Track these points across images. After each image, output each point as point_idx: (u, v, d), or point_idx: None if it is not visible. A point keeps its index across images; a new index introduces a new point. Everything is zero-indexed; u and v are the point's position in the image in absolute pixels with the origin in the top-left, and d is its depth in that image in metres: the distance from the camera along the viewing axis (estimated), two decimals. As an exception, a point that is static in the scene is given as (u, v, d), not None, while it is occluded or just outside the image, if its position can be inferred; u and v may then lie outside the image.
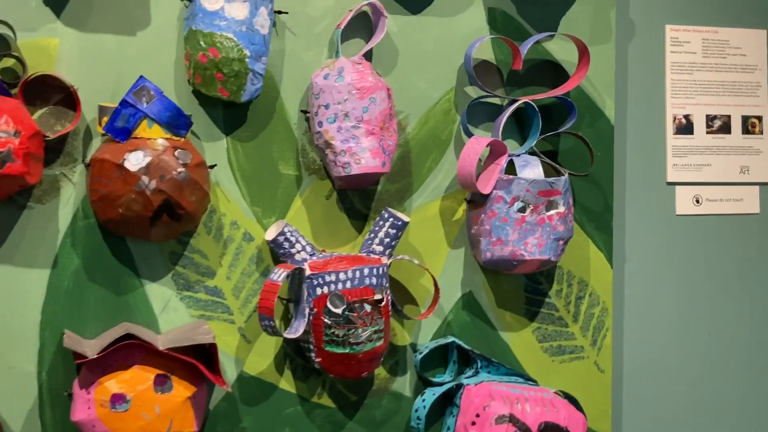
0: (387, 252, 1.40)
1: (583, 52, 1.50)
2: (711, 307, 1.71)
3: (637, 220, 1.67)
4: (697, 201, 1.70)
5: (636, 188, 1.67)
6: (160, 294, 1.36)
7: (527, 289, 1.54)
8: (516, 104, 1.48)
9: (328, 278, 1.34)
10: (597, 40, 1.55)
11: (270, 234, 1.37)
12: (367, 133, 1.35)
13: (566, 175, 1.47)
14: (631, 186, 1.66)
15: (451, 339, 1.48)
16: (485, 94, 1.49)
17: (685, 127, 1.69)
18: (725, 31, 1.71)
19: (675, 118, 1.69)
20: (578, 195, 1.55)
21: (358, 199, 1.45)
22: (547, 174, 1.50)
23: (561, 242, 1.46)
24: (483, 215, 1.44)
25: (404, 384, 1.48)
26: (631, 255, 1.66)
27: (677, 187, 1.69)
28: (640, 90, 1.67)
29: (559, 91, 1.50)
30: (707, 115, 1.70)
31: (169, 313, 1.36)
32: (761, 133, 1.73)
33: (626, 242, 1.66)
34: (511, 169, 1.47)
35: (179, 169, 1.26)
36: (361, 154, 1.35)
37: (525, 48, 1.48)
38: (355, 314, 1.34)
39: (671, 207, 1.69)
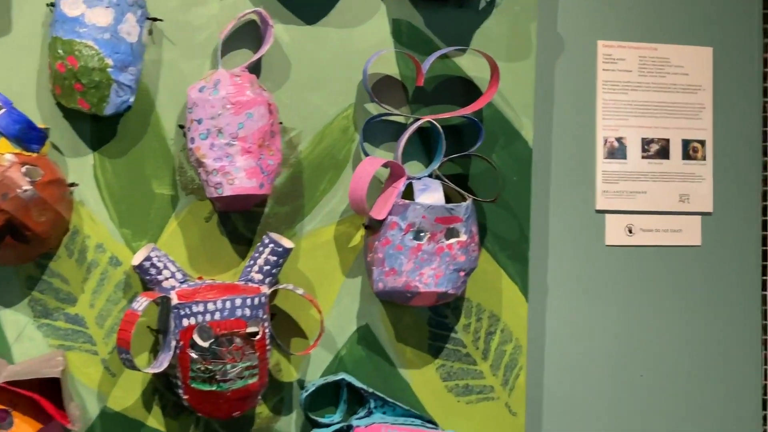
0: (267, 280, 1.29)
1: (494, 69, 1.39)
2: (644, 347, 1.58)
3: (561, 250, 1.54)
4: (630, 231, 1.57)
5: (560, 216, 1.54)
6: (14, 321, 1.26)
7: (431, 322, 1.42)
8: (418, 123, 1.36)
9: (195, 308, 1.23)
10: (515, 56, 1.44)
11: (136, 259, 1.26)
12: (242, 152, 1.25)
13: (469, 200, 1.35)
14: (555, 213, 1.54)
15: (341, 376, 1.36)
16: (385, 111, 1.38)
17: (618, 151, 1.57)
18: (665, 48, 1.59)
19: (606, 141, 1.56)
20: (491, 222, 1.43)
21: (241, 222, 1.35)
22: (452, 199, 1.39)
23: (462, 273, 1.34)
24: (377, 242, 1.33)
25: (289, 424, 1.36)
26: (554, 288, 1.54)
27: (607, 216, 1.56)
28: (568, 110, 1.55)
29: (466, 111, 1.39)
30: (643, 139, 1.58)
31: (24, 342, 1.26)
32: (704, 158, 1.60)
33: (548, 274, 1.54)
34: (411, 193, 1.35)
35: (25, 187, 1.16)
36: (235, 174, 1.24)
37: (428, 63, 1.37)
38: (224, 349, 1.23)
39: (600, 237, 1.56)
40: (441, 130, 1.36)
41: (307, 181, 1.37)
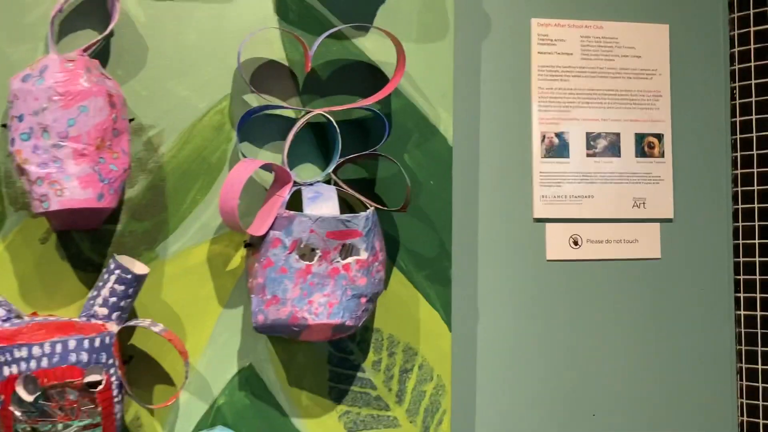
0: (115, 315, 1.03)
1: (399, 52, 1.14)
2: (597, 381, 1.32)
3: (493, 268, 1.29)
4: (576, 242, 1.32)
5: (490, 227, 1.29)
6: None
7: (332, 360, 1.16)
8: (307, 117, 1.11)
9: (18, 353, 0.97)
10: (428, 36, 1.19)
11: (-56, 292, 1.00)
12: (74, 155, 0.99)
13: (371, 210, 1.10)
14: (483, 224, 1.29)
15: (218, 429, 1.11)
16: (269, 104, 1.13)
17: (558, 149, 1.32)
18: (613, 26, 1.35)
19: (544, 137, 1.31)
20: (404, 236, 1.18)
21: (87, 244, 1.09)
22: (353, 209, 1.14)
23: (363, 300, 1.09)
24: (257, 264, 1.08)
25: (153, 491, 1.10)
26: (485, 314, 1.29)
27: (548, 225, 1.31)
28: (496, 101, 1.30)
29: (367, 102, 1.14)
30: (588, 134, 1.33)
31: None
32: (662, 155, 1.35)
33: (477, 297, 1.28)
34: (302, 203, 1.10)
35: None
36: (65, 183, 0.99)
37: (315, 45, 1.12)
38: (53, 404, 0.97)
39: (540, 250, 1.31)
40: (336, 125, 1.11)
41: (172, 190, 1.12)
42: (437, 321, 1.19)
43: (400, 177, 1.17)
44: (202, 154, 1.13)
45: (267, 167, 1.09)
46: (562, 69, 1.32)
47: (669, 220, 1.36)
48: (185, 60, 1.12)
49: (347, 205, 1.15)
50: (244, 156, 1.12)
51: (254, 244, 1.10)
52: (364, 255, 1.09)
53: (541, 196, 1.31)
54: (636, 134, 1.35)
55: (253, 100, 1.14)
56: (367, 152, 1.13)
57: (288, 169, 1.10)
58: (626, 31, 1.35)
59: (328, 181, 1.13)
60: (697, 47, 1.38)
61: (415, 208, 1.18)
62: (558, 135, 1.32)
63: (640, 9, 1.35)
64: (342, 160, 1.13)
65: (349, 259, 1.09)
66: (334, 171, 1.13)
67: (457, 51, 1.26)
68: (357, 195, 1.12)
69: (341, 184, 1.12)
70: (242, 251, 1.13)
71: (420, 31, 1.19)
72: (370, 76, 1.18)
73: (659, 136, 1.36)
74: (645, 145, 1.35)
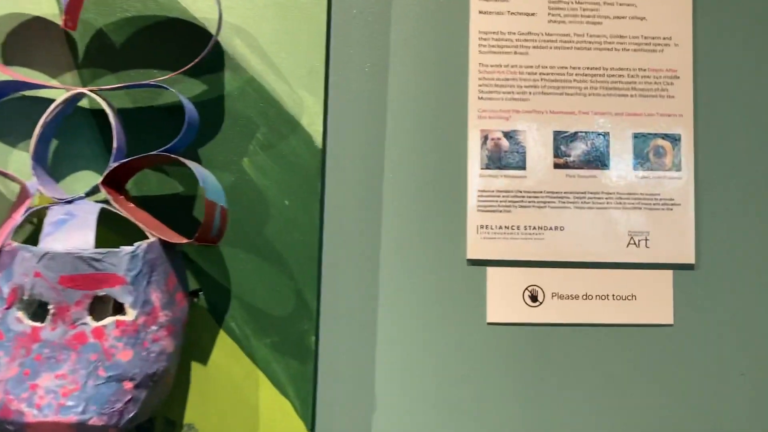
0: None
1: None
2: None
3: (392, 335, 0.86)
4: (534, 298, 0.87)
5: (391, 271, 0.86)
6: None
7: (115, 469, 0.76)
8: (64, 98, 0.73)
9: None
10: (285, -18, 0.79)
11: None
12: None
13: (143, 244, 0.70)
14: (385, 267, 0.86)
15: None
16: (20, 81, 0.76)
17: (508, 156, 0.87)
18: (604, -26, 0.89)
19: (487, 139, 0.87)
20: (237, 283, 0.78)
21: None
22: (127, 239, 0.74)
23: (128, 385, 0.69)
24: (-32, 324, 0.70)
25: None
26: (381, 405, 0.85)
27: (489, 271, 0.87)
28: (405, 83, 0.87)
29: (169, 78, 0.74)
30: (557, 133, 0.88)
31: None
32: (677, 167, 0.88)
33: (364, 380, 0.85)
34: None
35: None
36: None
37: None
38: None
39: (476, 309, 0.87)
40: (114, 112, 0.73)
41: None
42: (288, 415, 0.78)
43: (240, 194, 0.77)
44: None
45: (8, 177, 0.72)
46: (518, 37, 0.88)
47: (688, 267, 0.88)
48: None
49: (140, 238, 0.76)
50: (-20, 159, 0.75)
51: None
52: (130, 314, 0.69)
53: (480, 227, 0.87)
54: (636, 134, 0.89)
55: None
56: (154, 153, 0.74)
57: (24, 180, 0.72)
58: (626, -19, 0.89)
59: (105, 200, 0.74)
60: (738, 3, 0.90)
61: (258, 241, 0.78)
62: (508, 135, 0.87)
63: (647, -54, 0.90)
64: (115, 165, 0.73)
65: (105, 321, 0.69)
66: (115, 183, 0.74)
67: (336, 15, 0.85)
68: (133, 218, 0.72)
69: (113, 202, 0.73)
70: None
71: (270, -26, 0.79)
72: (195, 43, 0.79)
73: (673, 138, 0.89)
74: (651, 151, 0.88)
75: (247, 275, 0.78)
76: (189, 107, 0.73)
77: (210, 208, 0.70)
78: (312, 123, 0.79)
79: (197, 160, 0.78)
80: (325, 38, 0.80)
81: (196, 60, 0.74)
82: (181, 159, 0.72)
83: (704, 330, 0.87)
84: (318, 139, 0.79)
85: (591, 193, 0.88)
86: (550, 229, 0.87)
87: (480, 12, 0.88)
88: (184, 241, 0.71)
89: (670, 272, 0.88)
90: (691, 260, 0.88)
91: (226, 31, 0.79)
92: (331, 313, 0.83)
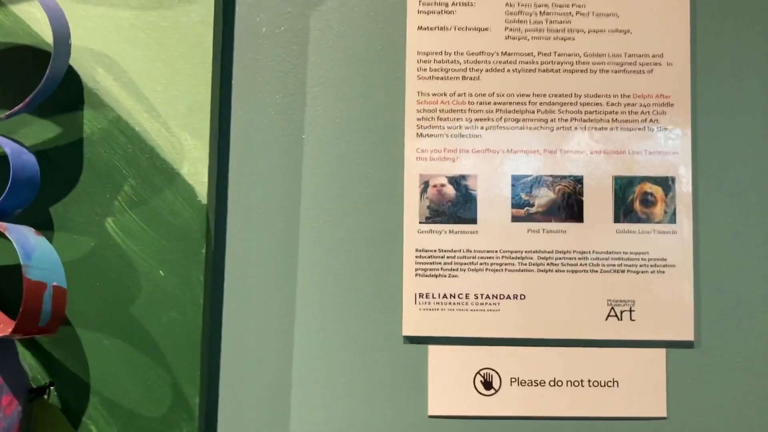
0: None
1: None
2: None
3: None
4: (487, 384, 0.69)
5: (310, 354, 0.69)
6: None
7: None
8: None
9: None
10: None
11: None
12: None
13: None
14: (300, 349, 0.69)
15: None
16: None
17: (454, 206, 0.70)
18: (579, -23, 0.72)
19: (427, 187, 0.70)
20: (97, 377, 0.62)
21: None
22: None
23: None
24: None
25: None
26: None
27: (431, 350, 0.70)
28: (327, 122, 0.71)
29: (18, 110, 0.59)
30: (516, 177, 0.70)
31: None
32: (672, 217, 0.70)
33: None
34: None
35: None
36: None
37: None
38: None
39: (416, 398, 0.70)
40: None
41: None
42: None
43: (102, 262, 0.61)
44: None
45: None
46: (466, 57, 0.71)
47: (686, 345, 0.70)
48: None
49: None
50: None
51: None
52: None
53: (418, 296, 0.69)
54: (618, 178, 0.70)
55: None
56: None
57: None
58: (606, -15, 0.72)
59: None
60: (747, 11, 0.72)
61: (124, 323, 0.62)
62: (455, 180, 0.70)
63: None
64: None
65: None
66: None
67: (229, 7, 0.69)
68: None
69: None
70: None
71: (141, -12, 0.63)
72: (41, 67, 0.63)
73: (665, 182, 0.70)
74: (637, 198, 0.70)
75: (111, 365, 0.62)
76: (21, 157, 0.58)
77: (34, 291, 0.54)
78: (195, 172, 0.63)
79: (47, 221, 0.62)
80: (211, 65, 0.64)
81: (28, 98, 0.58)
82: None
83: (706, 425, 0.69)
84: (202, 192, 0.63)
85: (560, 252, 0.70)
86: (508, 298, 0.69)
87: (419, 28, 0.71)
88: (-1, 334, 0.55)
89: (662, 351, 0.70)
90: (690, 336, 0.69)
91: (86, 59, 0.63)
92: (225, 413, 0.66)
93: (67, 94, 0.63)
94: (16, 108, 0.58)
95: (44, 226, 0.62)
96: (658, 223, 0.70)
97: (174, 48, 0.64)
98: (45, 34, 0.63)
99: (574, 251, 0.70)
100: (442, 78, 0.71)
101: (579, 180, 0.70)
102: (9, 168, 0.58)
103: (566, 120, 0.71)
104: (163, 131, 0.64)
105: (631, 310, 0.70)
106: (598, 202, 0.70)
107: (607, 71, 0.71)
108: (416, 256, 0.70)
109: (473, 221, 0.70)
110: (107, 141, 0.63)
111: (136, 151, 0.63)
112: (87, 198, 0.63)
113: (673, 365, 0.70)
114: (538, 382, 0.69)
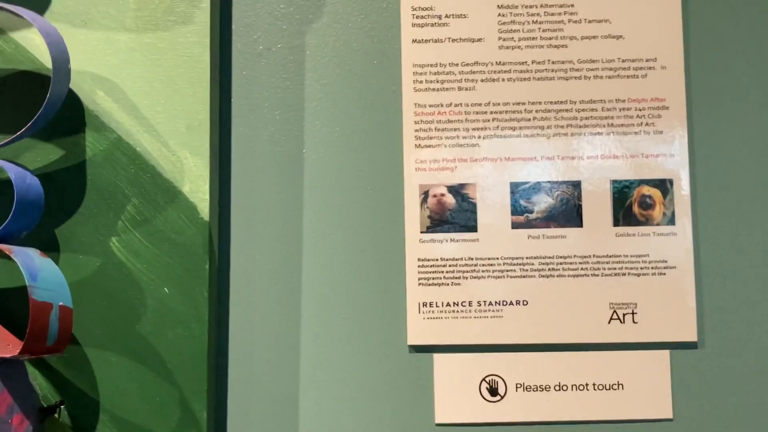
0: None
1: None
2: None
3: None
4: (493, 391, 0.70)
5: (316, 366, 0.70)
6: None
7: None
8: None
9: None
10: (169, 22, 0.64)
11: None
12: None
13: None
14: (307, 361, 0.70)
15: None
16: None
17: (454, 215, 0.71)
18: (571, -15, 0.73)
19: (427, 196, 0.71)
20: (106, 393, 0.63)
21: None
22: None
23: None
24: None
25: None
26: None
27: (436, 358, 0.70)
28: (327, 136, 0.72)
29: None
30: (514, 185, 0.71)
31: None
32: (671, 220, 0.71)
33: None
34: None
35: None
36: None
37: None
38: None
39: (422, 406, 0.70)
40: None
41: None
42: None
43: (107, 282, 0.62)
44: None
45: None
46: (461, 68, 0.72)
47: (689, 346, 0.70)
48: None
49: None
50: None
51: None
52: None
53: (422, 305, 0.70)
54: (615, 182, 0.71)
55: None
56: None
57: None
58: (597, -8, 0.72)
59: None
60: (740, 12, 0.72)
61: (131, 340, 0.63)
62: (454, 190, 0.71)
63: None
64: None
65: None
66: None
67: (226, 26, 0.70)
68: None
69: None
70: None
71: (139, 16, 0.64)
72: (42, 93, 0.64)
73: (664, 184, 0.71)
74: (635, 202, 0.71)
75: (120, 383, 0.63)
76: (25, 181, 0.59)
77: (40, 312, 0.55)
78: (196, 190, 0.64)
79: (53, 242, 0.63)
80: (209, 84, 0.65)
81: (30, 123, 0.59)
82: (3, 248, 0.57)
83: (713, 425, 0.69)
84: (204, 210, 0.64)
85: (561, 257, 0.70)
86: (511, 304, 0.70)
87: (413, 41, 0.72)
88: (7, 355, 0.56)
89: (666, 353, 0.70)
90: (693, 337, 0.70)
91: (86, 83, 0.65)
92: (233, 427, 0.67)
93: (69, 117, 0.64)
94: (18, 134, 0.60)
95: (50, 247, 0.63)
96: (657, 225, 0.71)
97: (172, 68, 0.65)
98: (45, 59, 0.65)
99: (574, 256, 0.70)
100: (438, 89, 0.71)
101: (577, 185, 0.71)
102: (14, 191, 0.60)
103: (562, 126, 0.71)
104: (164, 150, 0.65)
105: (633, 313, 0.70)
106: (597, 206, 0.71)
107: (602, 77, 0.72)
108: (419, 266, 0.70)
109: (474, 229, 0.71)
110: (109, 162, 0.64)
111: (138, 171, 0.64)
112: (91, 218, 0.64)
113: (678, 366, 0.70)
114: (544, 387, 0.70)
